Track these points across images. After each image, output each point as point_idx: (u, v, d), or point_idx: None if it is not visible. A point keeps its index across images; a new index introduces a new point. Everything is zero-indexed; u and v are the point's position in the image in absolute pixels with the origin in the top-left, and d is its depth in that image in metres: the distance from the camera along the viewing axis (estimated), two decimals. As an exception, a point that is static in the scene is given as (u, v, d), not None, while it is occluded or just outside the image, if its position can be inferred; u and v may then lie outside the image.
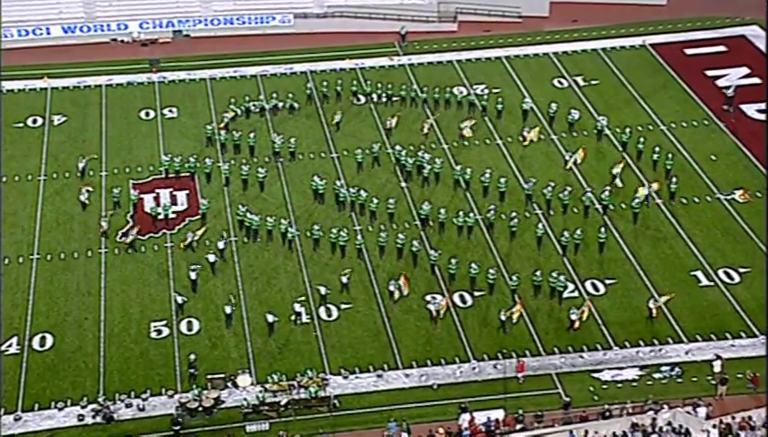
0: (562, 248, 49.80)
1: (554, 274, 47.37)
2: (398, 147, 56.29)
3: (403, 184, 54.53)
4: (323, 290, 46.94)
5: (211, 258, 49.04)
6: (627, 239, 50.76)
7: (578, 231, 49.97)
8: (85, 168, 55.50)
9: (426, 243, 50.35)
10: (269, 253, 50.40)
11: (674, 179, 53.57)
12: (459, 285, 47.96)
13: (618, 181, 53.37)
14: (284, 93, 62.07)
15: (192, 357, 43.93)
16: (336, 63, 66.47)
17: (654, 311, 45.84)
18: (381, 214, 51.96)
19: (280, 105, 61.26)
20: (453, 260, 48.26)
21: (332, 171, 55.81)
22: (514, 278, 47.43)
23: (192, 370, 43.57)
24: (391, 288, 47.00)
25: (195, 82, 65.27)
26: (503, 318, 45.36)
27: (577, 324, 45.25)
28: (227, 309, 46.31)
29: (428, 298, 47.10)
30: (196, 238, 50.17)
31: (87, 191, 53.27)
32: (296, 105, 61.24)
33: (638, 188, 52.62)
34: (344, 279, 47.36)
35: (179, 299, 47.05)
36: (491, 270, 47.81)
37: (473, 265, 47.89)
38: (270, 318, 45.70)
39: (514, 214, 51.29)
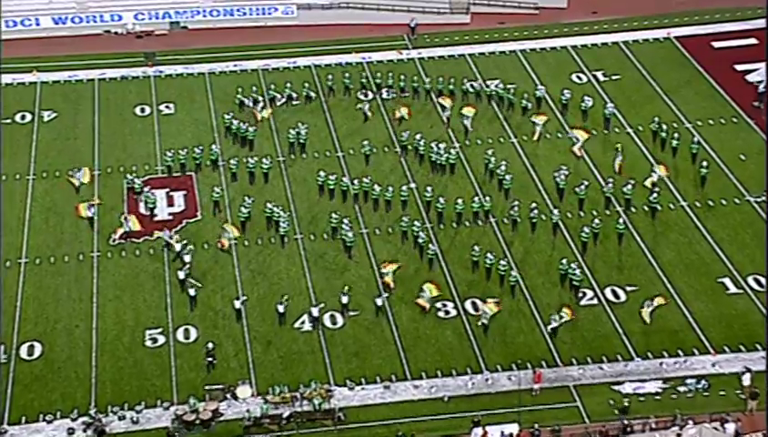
0: (582, 245, 50.12)
1: (573, 266, 48.06)
2: (417, 136, 57.03)
3: (412, 185, 54.66)
4: (345, 299, 46.85)
5: (187, 258, 49.21)
6: (649, 244, 50.72)
7: (596, 221, 50.50)
8: (81, 183, 54.59)
9: (435, 239, 50.95)
10: (270, 257, 50.49)
11: (704, 163, 54.13)
12: (473, 290, 48.04)
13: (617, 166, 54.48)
14: (288, 86, 62.26)
15: (210, 345, 44.39)
16: (341, 57, 66.63)
17: (648, 319, 45.75)
18: (396, 205, 52.94)
19: (294, 95, 61.80)
20: (476, 247, 49.15)
21: (348, 167, 56.24)
22: (513, 273, 47.85)
23: (210, 360, 44.07)
24: (386, 278, 47.75)
25: (193, 76, 65.43)
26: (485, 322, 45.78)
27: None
28: (237, 304, 46.75)
29: (438, 305, 47.16)
30: (230, 236, 50.44)
31: (92, 206, 52.64)
32: (312, 94, 61.93)
33: (650, 175, 53.31)
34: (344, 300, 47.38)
35: (192, 292, 47.44)
36: (502, 262, 48.54)
37: (489, 255, 48.68)
38: (281, 308, 46.24)
39: (534, 205, 51.98)
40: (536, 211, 51.59)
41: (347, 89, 62.46)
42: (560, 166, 54.58)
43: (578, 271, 47.82)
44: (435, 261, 49.64)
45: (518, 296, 47.64)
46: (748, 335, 45.52)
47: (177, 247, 49.66)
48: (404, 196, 53.13)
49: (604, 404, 42.35)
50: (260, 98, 61.28)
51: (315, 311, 46.46)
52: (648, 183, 52.91)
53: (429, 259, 49.61)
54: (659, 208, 52.40)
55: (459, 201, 52.17)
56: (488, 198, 52.58)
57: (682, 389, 43.05)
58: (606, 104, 59.87)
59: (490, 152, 55.63)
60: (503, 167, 54.32)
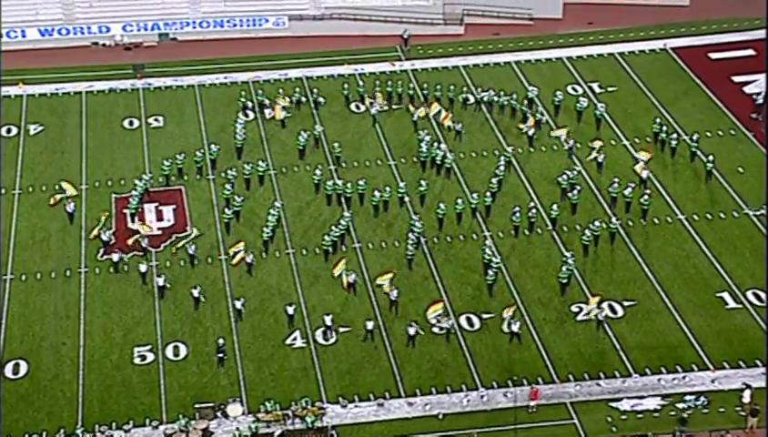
0: (584, 248, 50.70)
1: (570, 261, 48.93)
2: (426, 134, 58.05)
3: (406, 198, 54.76)
4: (370, 325, 46.52)
5: (142, 267, 49.62)
6: (646, 258, 50.84)
7: (596, 223, 51.19)
8: (74, 212, 53.92)
9: (425, 243, 51.54)
10: (262, 272, 50.50)
11: (710, 158, 55.30)
12: (464, 306, 48.14)
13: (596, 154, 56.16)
14: (297, 91, 62.90)
15: (221, 341, 44.96)
16: (333, 68, 66.81)
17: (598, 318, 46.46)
18: (394, 208, 53.87)
19: (303, 100, 62.43)
20: (487, 242, 50.34)
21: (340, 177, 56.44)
22: (491, 272, 48.41)
23: (221, 355, 44.67)
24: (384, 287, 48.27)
25: (182, 89, 65.53)
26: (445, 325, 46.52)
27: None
28: (238, 305, 47.19)
29: (432, 320, 47.14)
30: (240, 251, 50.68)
31: (104, 229, 52.61)
32: (321, 99, 62.48)
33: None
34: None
35: (195, 293, 47.83)
36: (495, 260, 49.41)
37: (487, 251, 49.72)
38: (290, 309, 46.87)
39: (532, 204, 52.86)
40: (534, 211, 52.25)
41: (363, 99, 62.87)
42: (570, 167, 55.44)
43: (564, 268, 48.36)
44: (413, 262, 50.33)
45: (495, 295, 48.29)
46: (748, 351, 45.57)
47: (160, 281, 49.30)
48: (401, 192, 53.97)
49: (602, 422, 42.36)
50: (266, 102, 61.78)
51: (327, 320, 46.60)
52: (638, 169, 54.40)
53: (408, 260, 50.14)
54: (656, 221, 52.63)
55: (459, 201, 52.73)
56: (489, 194, 53.15)
57: (680, 405, 43.06)
58: (597, 104, 60.36)
59: (510, 149, 57.05)
60: (501, 168, 55.12)
